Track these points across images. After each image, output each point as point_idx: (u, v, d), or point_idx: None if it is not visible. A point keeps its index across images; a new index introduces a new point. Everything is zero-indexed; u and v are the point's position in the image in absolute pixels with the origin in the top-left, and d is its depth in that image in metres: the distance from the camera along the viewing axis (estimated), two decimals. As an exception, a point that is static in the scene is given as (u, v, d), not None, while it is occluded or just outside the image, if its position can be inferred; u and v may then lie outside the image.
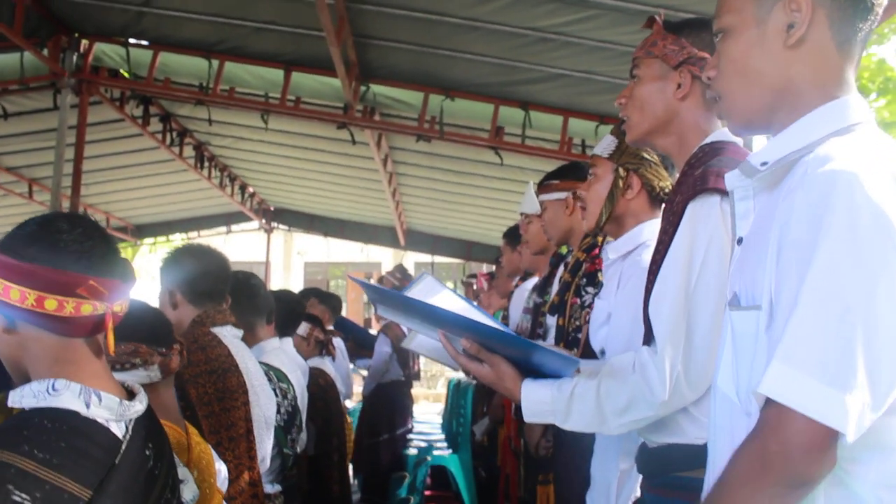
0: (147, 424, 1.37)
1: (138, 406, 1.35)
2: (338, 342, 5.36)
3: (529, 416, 1.75)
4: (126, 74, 5.68)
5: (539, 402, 1.72)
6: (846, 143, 1.13)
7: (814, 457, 1.01)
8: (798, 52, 1.22)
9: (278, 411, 2.67)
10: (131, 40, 5.41)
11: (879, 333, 1.01)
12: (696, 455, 1.47)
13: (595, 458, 2.19)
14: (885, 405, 1.02)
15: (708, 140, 1.77)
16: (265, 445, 2.52)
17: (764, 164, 1.21)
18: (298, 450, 3.07)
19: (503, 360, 1.73)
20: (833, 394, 1.00)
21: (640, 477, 1.88)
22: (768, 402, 1.04)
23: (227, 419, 2.29)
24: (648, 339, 1.73)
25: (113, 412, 1.30)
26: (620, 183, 2.16)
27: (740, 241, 1.29)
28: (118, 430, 1.30)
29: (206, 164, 8.28)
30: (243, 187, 9.92)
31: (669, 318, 1.64)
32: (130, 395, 1.39)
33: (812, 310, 1.02)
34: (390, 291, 1.91)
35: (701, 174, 1.68)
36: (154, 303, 2.19)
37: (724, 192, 1.54)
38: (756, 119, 1.29)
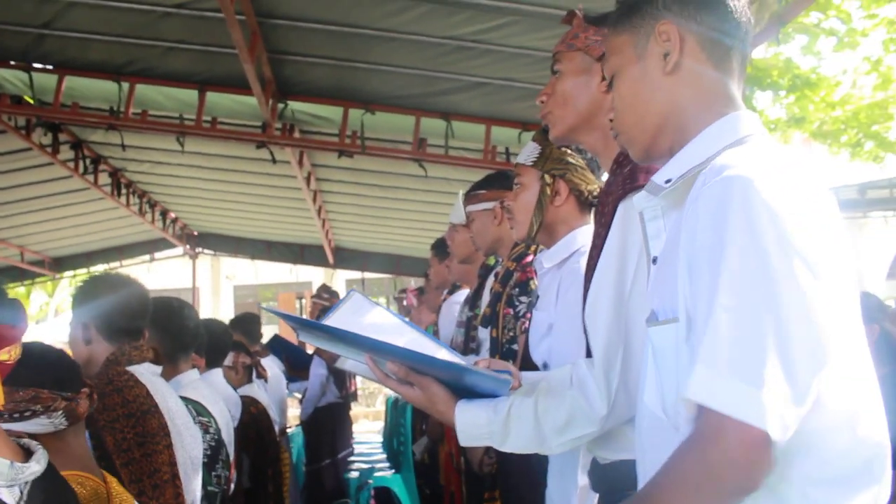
0: (46, 486, 1.24)
1: (35, 467, 1.22)
2: (272, 366, 5.20)
3: (465, 439, 1.65)
4: (30, 100, 5.42)
5: (475, 424, 1.63)
6: (740, 153, 1.19)
7: (753, 459, 1.00)
8: (678, 78, 1.31)
9: (202, 448, 2.53)
10: (35, 64, 5.17)
11: (790, 329, 1.03)
12: None
13: (551, 477, 2.09)
14: (809, 399, 1.02)
15: None
16: (193, 488, 2.37)
17: (668, 181, 1.27)
18: (231, 486, 2.93)
19: (434, 381, 1.63)
20: (753, 393, 1.00)
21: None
22: (700, 411, 1.05)
23: (149, 465, 2.12)
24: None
25: (3, 477, 1.17)
26: (548, 190, 2.10)
27: (655, 260, 1.31)
28: (11, 496, 1.17)
29: (124, 190, 8.02)
30: (164, 213, 9.66)
31: (605, 328, 1.58)
32: (28, 453, 1.26)
33: (724, 313, 1.04)
34: (309, 321, 1.81)
35: (630, 172, 1.64)
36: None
37: None
38: (653, 146, 1.35)
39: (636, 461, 1.31)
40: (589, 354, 1.69)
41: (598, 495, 1.77)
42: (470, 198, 3.06)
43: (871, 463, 1.13)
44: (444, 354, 1.71)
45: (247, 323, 5.27)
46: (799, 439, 1.03)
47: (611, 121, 1.44)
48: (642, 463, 1.29)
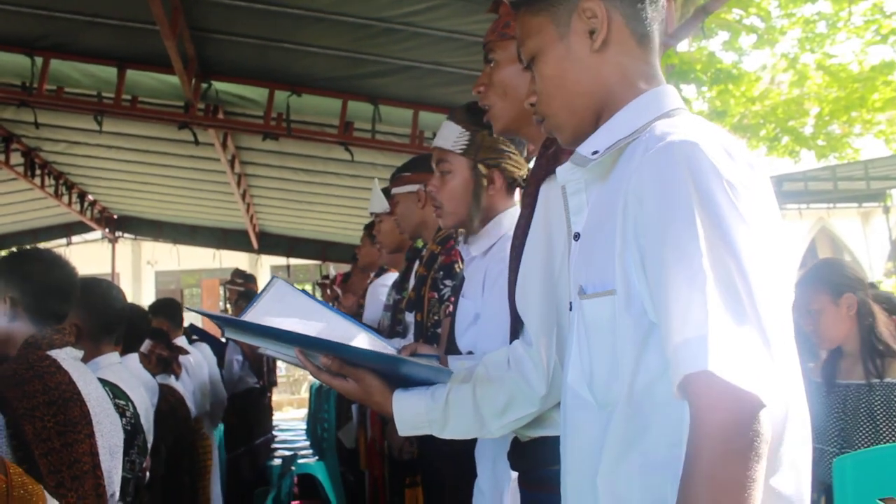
0: None
1: None
2: (196, 352, 5.07)
3: (404, 429, 1.61)
4: (-67, 75, 5.16)
5: (413, 413, 1.60)
6: (676, 122, 1.18)
7: (758, 418, 0.95)
8: (605, 55, 1.28)
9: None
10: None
11: (758, 290, 1.01)
12: None
13: (482, 471, 2.06)
14: (776, 365, 1.00)
15: None
16: (113, 477, 2.29)
17: (595, 153, 1.23)
18: (147, 474, 2.85)
19: (368, 372, 1.59)
20: (742, 356, 0.97)
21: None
22: (694, 382, 0.98)
23: (69, 456, 2.02)
24: (517, 331, 1.66)
25: None
26: (484, 181, 2.08)
27: (577, 236, 1.28)
28: None
29: (38, 171, 7.70)
30: (82, 195, 9.32)
31: (537, 308, 1.56)
32: None
33: (691, 280, 1.01)
34: (232, 319, 1.74)
35: (553, 153, 1.62)
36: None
37: None
38: (582, 127, 1.32)
39: (560, 440, 1.30)
40: (512, 338, 1.68)
41: (517, 475, 1.76)
42: (395, 180, 3.03)
43: (795, 435, 1.11)
44: (369, 340, 1.67)
45: (170, 308, 5.14)
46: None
47: (532, 105, 1.38)
48: (565, 445, 1.27)
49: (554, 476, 1.31)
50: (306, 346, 1.59)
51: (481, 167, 2.08)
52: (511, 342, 1.70)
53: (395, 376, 1.62)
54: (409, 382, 1.63)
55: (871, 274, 22.66)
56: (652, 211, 1.08)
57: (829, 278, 2.80)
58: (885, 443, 2.46)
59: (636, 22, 1.28)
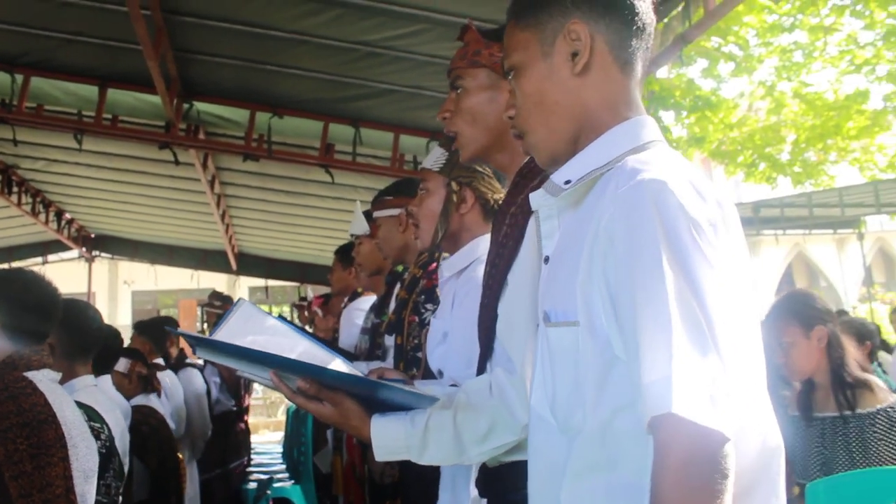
0: None
1: None
2: (164, 379, 5.03)
3: (382, 454, 1.59)
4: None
5: (392, 438, 1.58)
6: (647, 158, 1.18)
7: (718, 454, 0.97)
8: (586, 79, 1.29)
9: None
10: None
11: (721, 329, 1.03)
12: None
13: (443, 488, 2.06)
14: (741, 397, 1.03)
15: None
16: (88, 501, 2.25)
17: (567, 182, 1.24)
18: (120, 499, 2.81)
19: (346, 396, 1.56)
20: (703, 394, 0.98)
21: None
22: (658, 423, 1.00)
23: (41, 479, 1.99)
24: (485, 357, 1.66)
25: None
26: (454, 197, 2.09)
27: (546, 259, 1.30)
28: None
29: (16, 189, 7.64)
30: (59, 214, 9.25)
31: (522, 337, 1.56)
32: None
33: (658, 322, 1.02)
34: (207, 339, 1.71)
35: (539, 184, 1.63)
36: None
37: None
38: (560, 149, 1.32)
39: (528, 464, 1.30)
40: (481, 362, 1.67)
41: (485, 501, 1.76)
42: (377, 204, 3.04)
43: (770, 468, 1.14)
44: (337, 365, 1.65)
45: (156, 329, 5.11)
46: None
47: (510, 118, 1.39)
48: (531, 468, 1.28)
49: (523, 501, 1.31)
50: (282, 367, 1.55)
51: (453, 184, 2.10)
52: (479, 364, 1.69)
53: (372, 401, 1.60)
54: (386, 407, 1.61)
55: (847, 299, 22.89)
56: (621, 250, 1.09)
57: (800, 311, 2.84)
58: None
59: (620, 49, 1.28)
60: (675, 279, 1.03)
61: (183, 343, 3.82)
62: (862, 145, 12.81)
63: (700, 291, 1.03)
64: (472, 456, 1.61)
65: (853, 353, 2.83)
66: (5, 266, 10.40)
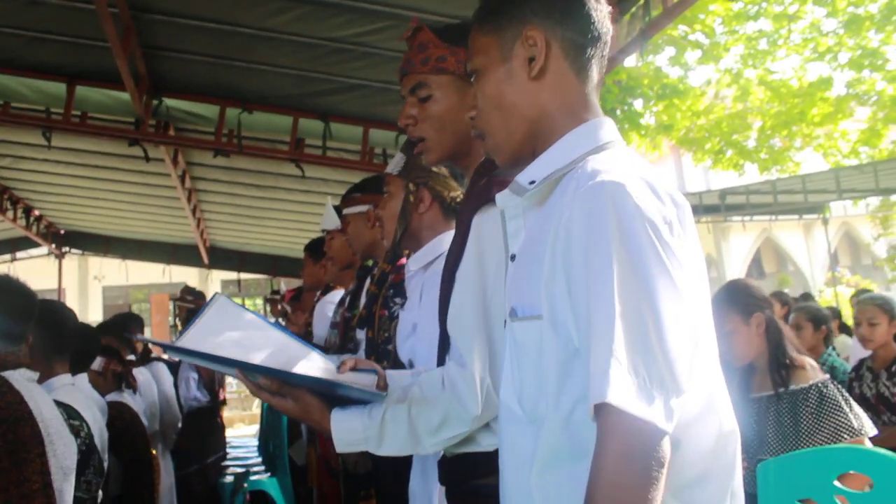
0: None
1: None
2: (144, 371, 5.05)
3: (342, 446, 1.67)
4: None
5: (350, 431, 1.65)
6: (606, 159, 1.24)
7: (652, 448, 1.04)
8: (542, 83, 1.34)
9: (70, 452, 2.45)
10: None
11: (668, 323, 1.09)
12: (489, 461, 1.48)
13: (414, 474, 2.15)
14: (687, 385, 1.09)
15: None
16: (66, 497, 2.30)
17: (532, 182, 1.30)
18: (100, 494, 2.85)
19: (306, 392, 1.64)
20: (642, 388, 1.05)
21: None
22: (598, 411, 1.07)
23: (17, 474, 2.05)
24: (444, 350, 1.73)
25: None
26: (411, 198, 2.16)
27: (513, 257, 1.36)
28: None
29: (-18, 186, 7.60)
30: (28, 210, 9.18)
31: (471, 332, 1.63)
32: None
33: (607, 316, 1.08)
34: (172, 346, 1.76)
35: (485, 184, 1.68)
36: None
37: None
38: (520, 150, 1.38)
39: (499, 455, 1.37)
40: (440, 354, 1.75)
41: (443, 488, 1.83)
42: (346, 201, 3.09)
43: (726, 451, 1.22)
44: (311, 356, 1.72)
45: (118, 326, 5.11)
46: (671, 436, 1.07)
47: (472, 118, 1.46)
48: (502, 458, 1.34)
49: (480, 490, 1.39)
50: (243, 369, 1.63)
51: (410, 185, 2.16)
52: (438, 356, 1.77)
53: (332, 396, 1.67)
54: (346, 402, 1.69)
55: (814, 283, 23.25)
56: (578, 248, 1.14)
57: (739, 300, 2.96)
58: (791, 448, 2.61)
59: (575, 56, 1.34)
60: (626, 277, 1.09)
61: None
62: (826, 132, 13.02)
63: (650, 288, 1.10)
64: (426, 446, 1.69)
65: (790, 337, 2.96)
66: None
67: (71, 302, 19.45)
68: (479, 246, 1.66)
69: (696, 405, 1.16)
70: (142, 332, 5.51)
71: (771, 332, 2.93)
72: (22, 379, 2.21)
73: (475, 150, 1.80)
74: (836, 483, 1.98)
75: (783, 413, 2.76)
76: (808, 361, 2.89)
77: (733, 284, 3.12)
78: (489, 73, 1.38)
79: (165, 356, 5.73)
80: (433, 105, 1.78)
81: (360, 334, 2.99)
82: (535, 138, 1.36)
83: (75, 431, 2.49)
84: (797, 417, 2.69)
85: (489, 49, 1.38)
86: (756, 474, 2.12)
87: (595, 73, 1.37)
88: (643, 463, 1.04)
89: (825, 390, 2.70)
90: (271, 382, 1.62)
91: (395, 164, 2.23)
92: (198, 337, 1.66)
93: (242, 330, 1.71)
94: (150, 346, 5.83)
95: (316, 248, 4.46)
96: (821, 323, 4.98)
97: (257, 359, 1.64)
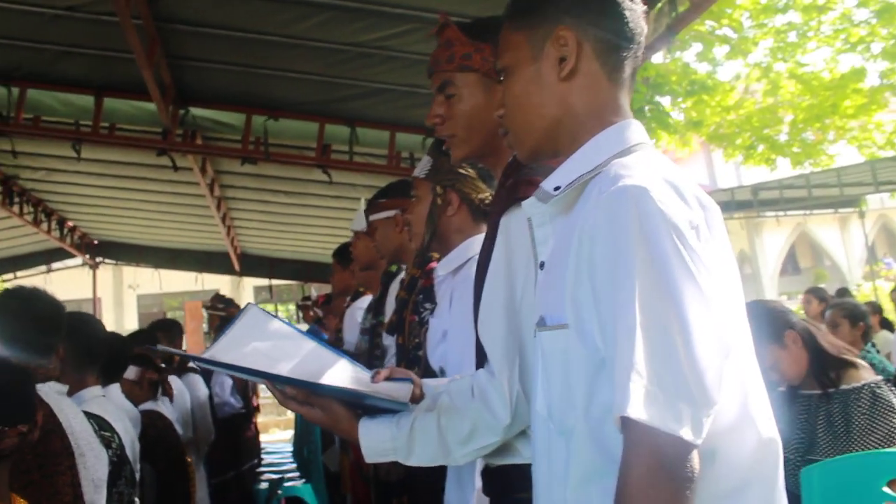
0: None
1: None
2: (175, 381, 5.07)
3: (371, 455, 1.64)
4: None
5: (379, 440, 1.63)
6: (631, 163, 1.20)
7: (678, 463, 1.01)
8: (572, 84, 1.31)
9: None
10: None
11: (695, 333, 1.05)
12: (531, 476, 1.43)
13: (449, 483, 2.10)
14: (717, 396, 1.04)
15: None
16: (97, 509, 2.30)
17: (557, 188, 1.27)
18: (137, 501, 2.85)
19: (334, 401, 1.62)
20: (669, 402, 1.01)
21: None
22: (625, 423, 1.04)
23: (49, 487, 2.05)
24: (483, 357, 1.69)
25: None
26: (439, 201, 2.12)
27: (542, 265, 1.32)
28: None
29: (17, 199, 7.68)
30: (61, 222, 9.29)
31: (500, 338, 1.59)
32: None
33: (632, 326, 1.05)
34: (199, 358, 1.77)
35: (512, 185, 1.65)
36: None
37: None
38: (540, 149, 1.36)
39: (532, 466, 1.33)
40: (480, 357, 1.71)
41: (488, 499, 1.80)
42: (372, 207, 3.07)
43: (766, 461, 1.17)
44: (343, 365, 1.70)
45: (149, 336, 5.14)
46: (705, 446, 1.04)
47: (500, 117, 1.42)
48: (535, 468, 1.31)
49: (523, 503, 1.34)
50: (269, 380, 1.62)
51: (438, 188, 2.13)
52: (476, 362, 1.72)
53: (361, 405, 1.65)
54: (376, 410, 1.66)
55: (851, 277, 22.89)
56: (601, 255, 1.11)
57: (764, 327, 2.88)
58: (843, 449, 2.55)
59: (607, 57, 1.30)
60: (649, 285, 1.06)
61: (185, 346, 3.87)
62: (860, 124, 12.79)
63: (675, 295, 1.06)
64: (456, 457, 1.65)
65: (829, 339, 2.90)
66: (10, 276, 10.45)
67: (106, 311, 19.70)
68: (508, 248, 1.61)
69: (732, 413, 1.12)
70: (180, 339, 5.52)
71: (807, 341, 2.87)
72: (51, 392, 2.22)
73: (503, 150, 1.76)
74: (886, 489, 1.91)
75: (834, 413, 2.70)
76: (858, 360, 2.84)
77: (752, 313, 3.05)
78: (518, 72, 1.35)
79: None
80: (459, 103, 1.76)
81: (388, 340, 2.97)
82: (558, 138, 1.33)
83: (106, 443, 2.49)
84: (849, 418, 2.62)
85: (519, 47, 1.35)
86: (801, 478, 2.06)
87: (628, 75, 1.33)
88: (669, 479, 1.00)
89: (878, 391, 2.64)
90: (298, 392, 1.60)
91: (422, 167, 2.20)
92: (227, 347, 1.66)
93: (273, 339, 1.71)
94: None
95: (344, 254, 4.45)
96: (858, 319, 4.87)
97: (285, 368, 1.63)
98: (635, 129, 1.30)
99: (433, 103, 1.81)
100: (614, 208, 1.11)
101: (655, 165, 1.20)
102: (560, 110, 1.31)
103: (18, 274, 10.69)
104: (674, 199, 1.12)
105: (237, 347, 1.65)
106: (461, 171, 2.11)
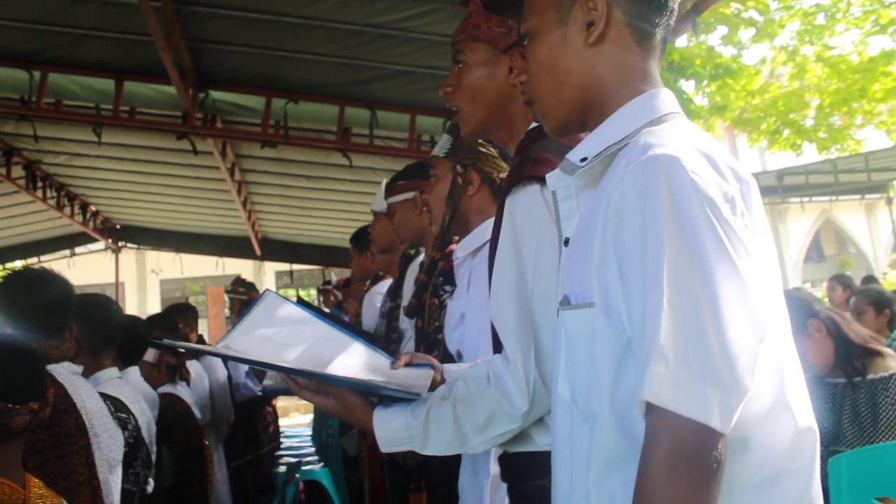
0: None
1: None
2: (195, 363, 5.08)
3: (385, 445, 1.60)
4: (-65, 90, 5.18)
5: (394, 430, 1.59)
6: (661, 132, 1.14)
7: (705, 450, 0.96)
8: (600, 50, 1.25)
9: (117, 445, 2.46)
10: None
11: (728, 314, 0.98)
12: (547, 463, 1.37)
13: (463, 470, 2.07)
14: (749, 382, 0.98)
15: (533, 125, 1.67)
16: (112, 489, 2.30)
17: (583, 160, 1.21)
18: (150, 486, 2.86)
19: (348, 390, 1.58)
20: (698, 387, 0.96)
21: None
22: (650, 408, 0.99)
23: (63, 467, 2.05)
24: (499, 341, 1.65)
25: None
26: (459, 180, 2.08)
27: (567, 241, 1.25)
28: None
29: (40, 184, 7.72)
30: (84, 207, 9.35)
31: (514, 323, 1.54)
32: None
33: (662, 306, 0.99)
34: (210, 351, 1.76)
35: (518, 163, 1.60)
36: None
37: (543, 180, 1.46)
38: (569, 119, 1.29)
39: (551, 452, 1.29)
40: (496, 342, 1.67)
41: (506, 485, 1.76)
42: (391, 189, 3.03)
43: (803, 451, 1.10)
44: (362, 350, 1.67)
45: (169, 319, 5.14)
46: (737, 433, 0.99)
47: (521, 83, 1.38)
48: (554, 453, 1.26)
49: (537, 492, 1.29)
50: (279, 371, 1.60)
51: (458, 167, 2.09)
52: (494, 347, 1.68)
53: (374, 393, 1.62)
54: (389, 399, 1.63)
55: (877, 265, 22.63)
56: (629, 229, 1.06)
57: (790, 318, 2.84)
58: (869, 439, 2.50)
59: (638, 22, 1.24)
60: (679, 260, 1.00)
61: (202, 329, 3.88)
62: (889, 108, 12.61)
63: (707, 272, 0.99)
64: (474, 445, 1.60)
65: (854, 328, 2.86)
66: (35, 260, 10.55)
67: (130, 295, 19.86)
68: (514, 229, 1.56)
69: (767, 399, 1.06)
70: (196, 323, 5.53)
71: (832, 330, 2.82)
72: (66, 372, 2.21)
73: (514, 123, 1.73)
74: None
75: (860, 403, 2.65)
76: (885, 349, 2.79)
77: None
78: (543, 36, 1.29)
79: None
80: (465, 73, 1.75)
81: (406, 324, 2.94)
82: (587, 108, 1.27)
83: (122, 424, 2.49)
84: (876, 408, 2.57)
85: (545, 10, 1.28)
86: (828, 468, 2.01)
87: (658, 42, 1.27)
88: (692, 468, 0.95)
89: None
90: (311, 381, 1.58)
91: (441, 146, 2.17)
92: (242, 336, 1.64)
93: (290, 325, 1.69)
94: (203, 338, 5.86)
95: (360, 239, 4.42)
96: (883, 307, 4.80)
97: (300, 355, 1.61)
98: (666, 98, 1.24)
99: (450, 73, 1.80)
100: (643, 179, 1.05)
101: (688, 135, 1.14)
102: (587, 78, 1.25)
103: (42, 258, 10.77)
104: (707, 170, 1.06)
105: (252, 336, 1.64)
106: (482, 149, 2.07)
